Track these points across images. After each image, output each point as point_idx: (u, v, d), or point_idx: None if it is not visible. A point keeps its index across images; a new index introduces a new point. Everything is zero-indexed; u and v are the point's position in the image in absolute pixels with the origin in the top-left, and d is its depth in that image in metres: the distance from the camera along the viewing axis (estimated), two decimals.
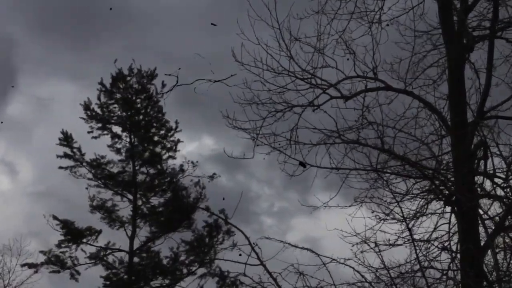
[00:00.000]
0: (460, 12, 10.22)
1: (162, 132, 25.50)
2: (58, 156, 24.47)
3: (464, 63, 10.21)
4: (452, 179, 10.01)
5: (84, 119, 24.93)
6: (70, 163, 24.52)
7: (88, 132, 24.86)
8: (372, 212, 10.11)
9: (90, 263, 23.76)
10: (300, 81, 10.10)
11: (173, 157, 25.35)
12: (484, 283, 9.42)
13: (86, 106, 25.02)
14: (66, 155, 24.51)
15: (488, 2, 10.33)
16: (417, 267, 9.48)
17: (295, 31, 10.08)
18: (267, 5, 9.80)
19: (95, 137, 24.97)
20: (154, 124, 25.50)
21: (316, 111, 10.11)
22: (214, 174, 25.20)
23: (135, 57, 40.85)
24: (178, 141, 25.52)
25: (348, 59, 10.19)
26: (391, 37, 10.42)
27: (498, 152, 10.19)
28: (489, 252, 9.71)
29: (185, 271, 24.27)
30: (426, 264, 9.56)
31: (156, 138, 25.39)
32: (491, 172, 10.01)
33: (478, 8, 10.40)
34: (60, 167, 24.40)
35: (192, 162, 25.16)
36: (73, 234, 23.83)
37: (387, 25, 10.52)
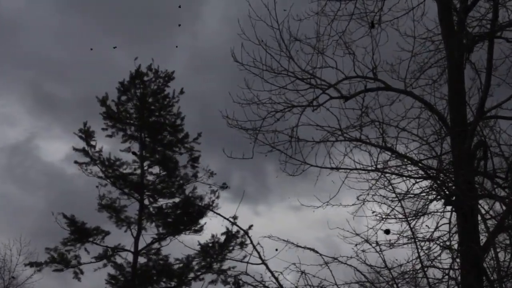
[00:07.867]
0: (459, 12, 10.21)
1: (177, 136, 25.26)
2: (74, 149, 24.33)
3: (464, 63, 10.20)
4: (453, 179, 9.98)
5: (101, 114, 24.76)
6: (85, 159, 24.37)
7: (103, 129, 24.75)
8: (373, 213, 10.11)
9: (94, 262, 23.80)
10: (299, 81, 10.11)
11: (194, 166, 25.19)
12: (485, 282, 9.41)
13: (103, 102, 24.80)
14: (83, 150, 24.22)
15: (488, 2, 10.33)
16: (419, 266, 9.50)
17: (295, 31, 10.12)
18: (266, 6, 9.84)
19: (109, 136, 24.93)
20: (168, 128, 25.23)
21: (316, 111, 10.11)
22: (224, 184, 25.05)
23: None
24: (192, 148, 25.28)
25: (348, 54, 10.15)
26: (391, 38, 10.44)
27: (500, 152, 10.16)
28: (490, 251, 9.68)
29: (192, 275, 24.21)
30: (427, 263, 9.57)
31: (167, 141, 25.18)
32: (491, 172, 9.98)
33: (477, 8, 10.40)
34: (76, 162, 24.20)
35: (211, 172, 24.98)
36: (80, 233, 23.81)
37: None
